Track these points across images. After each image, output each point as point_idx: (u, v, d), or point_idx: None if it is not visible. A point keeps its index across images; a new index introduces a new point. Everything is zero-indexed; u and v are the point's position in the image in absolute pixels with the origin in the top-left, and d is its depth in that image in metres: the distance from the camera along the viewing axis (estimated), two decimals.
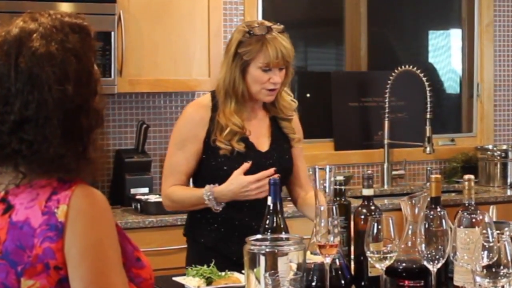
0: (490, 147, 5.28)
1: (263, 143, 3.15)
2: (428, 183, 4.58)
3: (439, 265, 2.41)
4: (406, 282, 2.57)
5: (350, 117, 5.19)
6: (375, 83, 5.24)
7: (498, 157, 5.13)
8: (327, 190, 2.61)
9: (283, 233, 2.55)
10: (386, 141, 5.10)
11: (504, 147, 5.27)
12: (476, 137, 5.52)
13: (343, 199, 2.70)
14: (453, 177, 5.20)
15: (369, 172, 2.72)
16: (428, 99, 4.90)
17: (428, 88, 4.90)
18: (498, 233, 2.24)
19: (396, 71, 5.03)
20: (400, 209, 2.63)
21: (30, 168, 1.75)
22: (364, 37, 5.38)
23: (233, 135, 3.06)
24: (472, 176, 2.60)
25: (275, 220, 2.60)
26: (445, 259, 2.42)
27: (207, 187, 3.02)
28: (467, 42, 5.58)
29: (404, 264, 2.54)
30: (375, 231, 2.41)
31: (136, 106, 4.62)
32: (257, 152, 3.11)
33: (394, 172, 5.13)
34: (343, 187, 2.71)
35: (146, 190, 4.36)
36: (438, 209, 2.46)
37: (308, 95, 5.27)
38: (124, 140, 4.57)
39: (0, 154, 1.76)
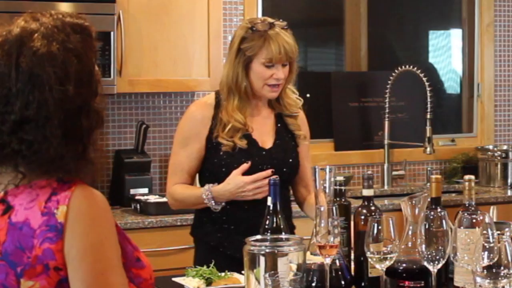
0: (491, 147, 5.28)
1: (267, 140, 3.14)
2: (428, 184, 4.58)
3: (439, 266, 2.41)
4: (406, 283, 2.56)
5: (350, 117, 5.19)
6: (375, 83, 5.23)
7: (499, 158, 5.13)
8: (327, 190, 2.61)
9: (283, 233, 2.55)
10: (386, 142, 5.10)
11: (505, 147, 5.27)
12: (477, 137, 5.52)
13: (343, 200, 2.69)
14: (453, 177, 5.20)
15: (369, 172, 2.71)
16: (429, 99, 4.90)
17: (428, 88, 4.89)
18: (498, 234, 2.24)
19: (396, 71, 5.03)
20: (400, 210, 2.62)
21: (30, 168, 1.75)
22: (364, 37, 5.38)
23: (235, 131, 3.06)
24: (472, 177, 2.60)
25: (275, 220, 2.60)
26: (445, 260, 2.42)
27: (206, 186, 3.03)
28: (468, 42, 5.58)
29: (404, 265, 2.53)
30: (375, 231, 2.40)
31: (136, 106, 4.61)
32: (260, 149, 3.10)
33: (394, 173, 5.12)
34: (343, 188, 2.70)
35: (145, 190, 4.35)
36: (439, 210, 2.46)
37: (308, 95, 5.25)
38: (123, 140, 4.56)
39: (0, 154, 1.75)
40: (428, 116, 4.90)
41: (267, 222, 2.60)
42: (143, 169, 4.42)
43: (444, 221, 2.42)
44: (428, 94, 4.89)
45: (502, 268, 2.15)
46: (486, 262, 2.16)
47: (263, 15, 4.82)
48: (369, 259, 2.45)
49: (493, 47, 5.49)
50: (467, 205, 2.58)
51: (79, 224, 1.70)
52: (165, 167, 4.63)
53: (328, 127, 5.13)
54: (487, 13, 5.46)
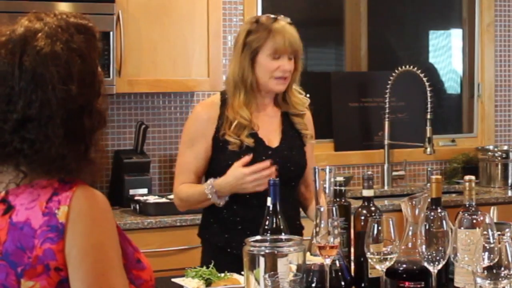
0: (491, 147, 5.27)
1: (273, 139, 3.14)
2: (428, 184, 4.58)
3: (439, 267, 2.41)
4: (407, 284, 2.56)
5: (350, 117, 5.18)
6: (375, 83, 5.23)
7: (499, 158, 5.12)
8: (327, 191, 2.61)
9: (283, 234, 2.54)
10: (386, 142, 5.10)
11: (505, 147, 5.26)
12: (477, 137, 5.52)
13: (343, 200, 2.68)
14: (453, 178, 5.19)
15: (369, 172, 2.71)
16: (429, 100, 4.89)
17: (428, 89, 4.89)
18: (499, 234, 2.24)
19: (396, 71, 5.02)
20: (400, 210, 2.62)
21: (31, 168, 1.75)
22: (364, 37, 5.37)
23: (241, 128, 3.06)
24: (472, 177, 2.60)
25: (274, 221, 2.59)
26: (445, 260, 2.41)
27: (209, 180, 3.03)
28: (468, 42, 5.57)
29: (404, 265, 2.53)
30: (375, 232, 2.40)
31: (135, 107, 4.61)
32: (266, 148, 3.10)
33: (394, 173, 5.12)
34: (343, 188, 2.70)
35: (145, 191, 4.35)
36: (439, 210, 2.45)
37: (308, 95, 5.26)
38: (123, 140, 4.56)
39: (1, 152, 1.75)
40: (428, 116, 4.89)
41: (267, 223, 2.60)
42: (142, 169, 4.42)
43: (444, 222, 2.42)
44: (428, 94, 4.89)
45: (502, 268, 2.14)
46: (486, 262, 2.15)
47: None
48: (369, 260, 2.45)
49: (494, 47, 5.48)
50: (467, 205, 2.57)
51: (80, 224, 1.70)
52: (165, 167, 4.63)
53: (328, 127, 5.12)
54: (488, 13, 5.46)
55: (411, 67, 4.97)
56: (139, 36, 4.27)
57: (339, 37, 5.44)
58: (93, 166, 1.79)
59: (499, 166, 5.11)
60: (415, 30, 5.70)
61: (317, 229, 2.42)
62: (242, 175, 2.97)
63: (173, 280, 2.75)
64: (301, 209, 3.25)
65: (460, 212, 2.51)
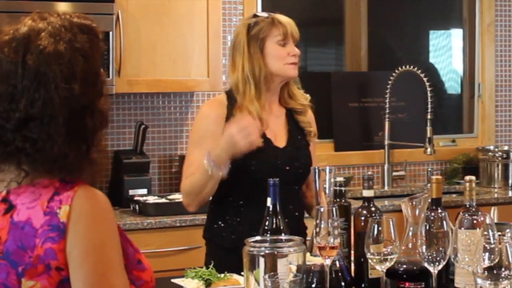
0: (491, 148, 5.27)
1: (280, 139, 3.14)
2: (428, 184, 4.58)
3: (440, 267, 2.40)
4: (407, 284, 2.55)
5: (350, 117, 5.18)
6: (376, 83, 5.23)
7: (500, 158, 5.12)
8: (327, 191, 2.60)
9: (283, 234, 2.54)
10: (386, 142, 5.09)
11: (506, 148, 5.26)
12: (477, 137, 5.51)
13: (343, 200, 2.68)
14: (454, 178, 5.19)
15: (370, 173, 2.70)
16: (429, 100, 4.89)
17: (429, 89, 4.89)
18: (499, 235, 2.24)
19: (396, 71, 5.02)
20: (400, 211, 2.61)
21: (33, 167, 1.75)
22: (364, 37, 5.37)
23: None
24: (473, 177, 2.59)
25: (274, 221, 2.59)
26: (446, 261, 2.41)
27: (205, 152, 2.96)
28: (468, 42, 5.57)
29: (404, 266, 2.53)
30: (375, 232, 2.40)
31: (135, 107, 4.60)
32: (274, 147, 3.10)
33: (394, 173, 5.11)
34: (343, 188, 2.70)
35: (144, 191, 4.34)
36: (439, 211, 2.45)
37: (308, 95, 5.25)
38: (122, 141, 4.55)
39: (3, 151, 1.75)
40: (429, 117, 4.89)
41: (267, 223, 2.60)
42: (142, 169, 4.41)
43: (444, 222, 2.41)
44: (429, 94, 4.89)
45: (503, 269, 2.14)
46: (487, 263, 2.15)
47: None
48: (369, 260, 2.44)
49: (494, 47, 5.48)
50: (467, 206, 2.57)
51: (81, 224, 1.70)
52: (164, 168, 4.63)
53: (328, 128, 5.11)
54: (488, 12, 5.45)
55: (411, 67, 4.97)
56: (139, 36, 4.27)
57: (339, 37, 5.43)
58: (94, 166, 1.79)
59: (500, 167, 5.11)
60: (415, 30, 5.69)
61: (317, 229, 2.42)
62: (230, 135, 2.91)
63: (172, 280, 2.75)
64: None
65: (461, 213, 2.51)
